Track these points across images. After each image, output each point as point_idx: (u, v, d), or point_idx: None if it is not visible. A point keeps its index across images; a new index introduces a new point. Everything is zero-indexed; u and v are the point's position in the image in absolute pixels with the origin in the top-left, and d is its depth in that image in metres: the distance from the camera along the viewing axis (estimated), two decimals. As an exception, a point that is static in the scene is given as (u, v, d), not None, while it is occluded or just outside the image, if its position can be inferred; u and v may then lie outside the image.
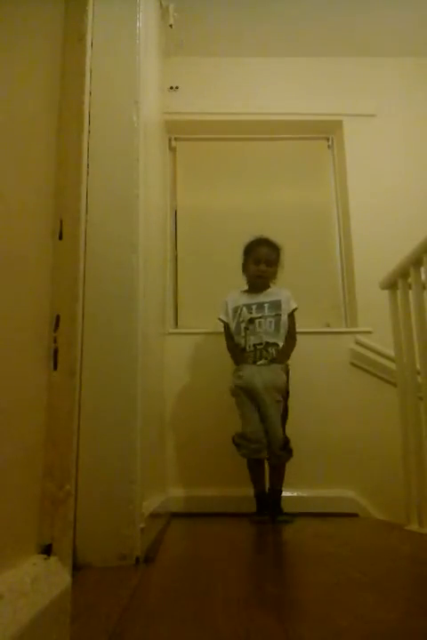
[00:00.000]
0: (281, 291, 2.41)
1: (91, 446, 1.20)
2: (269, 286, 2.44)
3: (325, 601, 0.89)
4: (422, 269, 1.90)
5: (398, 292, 2.11)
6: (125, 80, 1.44)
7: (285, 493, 2.40)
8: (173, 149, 3.26)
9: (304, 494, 2.54)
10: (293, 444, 2.21)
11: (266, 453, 2.18)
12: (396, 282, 2.12)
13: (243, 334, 2.34)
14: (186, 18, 2.83)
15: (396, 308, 2.15)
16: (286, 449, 2.18)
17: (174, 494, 2.48)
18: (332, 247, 3.17)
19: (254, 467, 2.27)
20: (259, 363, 2.27)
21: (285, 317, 2.34)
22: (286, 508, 2.26)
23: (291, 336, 2.35)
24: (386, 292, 2.24)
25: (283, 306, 2.35)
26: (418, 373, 1.92)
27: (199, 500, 2.48)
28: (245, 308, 2.37)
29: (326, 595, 0.94)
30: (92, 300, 1.25)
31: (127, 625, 0.74)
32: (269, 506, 2.23)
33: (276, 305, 2.36)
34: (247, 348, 2.30)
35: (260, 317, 2.33)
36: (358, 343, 2.82)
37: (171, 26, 2.71)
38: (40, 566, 0.56)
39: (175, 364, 2.72)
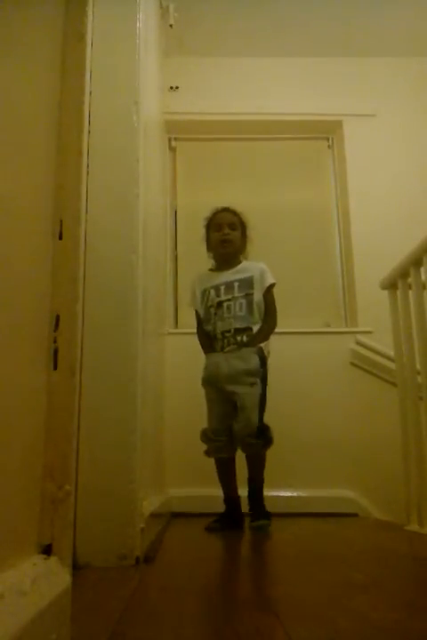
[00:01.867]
0: (254, 265, 2.12)
1: (91, 446, 1.20)
2: (239, 261, 2.14)
3: (325, 601, 0.89)
4: (422, 269, 1.90)
5: (398, 292, 2.11)
6: (125, 80, 1.44)
7: (285, 493, 2.40)
8: (173, 149, 3.26)
9: (304, 494, 2.54)
10: (292, 444, 2.17)
11: (229, 452, 1.99)
12: (396, 282, 2.12)
13: (212, 320, 2.06)
14: (186, 18, 2.83)
15: (396, 308, 2.15)
16: (262, 437, 1.92)
17: (174, 494, 2.48)
18: (332, 247, 3.17)
19: (219, 467, 2.05)
20: (226, 349, 2.01)
21: (258, 296, 2.05)
22: (287, 507, 2.24)
23: (270, 315, 2.06)
24: (386, 292, 2.24)
25: (255, 283, 2.06)
26: (418, 373, 1.92)
27: (199, 499, 2.48)
28: (213, 291, 2.08)
29: (326, 594, 0.94)
30: (92, 300, 1.25)
31: (127, 625, 0.74)
32: (239, 516, 2.00)
33: (247, 283, 2.06)
34: (217, 335, 2.04)
35: (229, 300, 2.04)
36: (359, 343, 2.82)
37: (171, 26, 2.71)
38: (40, 566, 0.56)
39: (175, 363, 2.72)
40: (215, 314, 2.05)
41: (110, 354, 1.28)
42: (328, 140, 3.32)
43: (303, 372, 2.71)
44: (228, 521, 1.96)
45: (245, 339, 2.00)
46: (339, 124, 3.23)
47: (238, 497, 2.03)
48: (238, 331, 2.01)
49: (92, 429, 1.21)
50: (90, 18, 0.78)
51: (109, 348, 1.28)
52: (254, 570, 1.28)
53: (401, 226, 2.84)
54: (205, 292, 2.11)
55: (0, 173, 0.51)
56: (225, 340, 2.02)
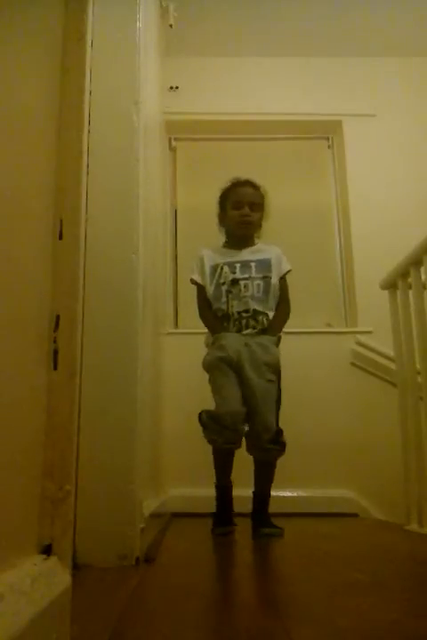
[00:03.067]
0: (270, 248, 1.96)
1: (91, 446, 1.20)
2: (254, 242, 1.97)
3: (325, 601, 0.89)
4: (422, 269, 1.90)
5: (398, 293, 2.11)
6: (125, 80, 1.44)
7: (284, 493, 2.40)
8: (173, 149, 3.26)
9: (304, 494, 2.54)
10: (292, 444, 2.13)
11: (240, 444, 1.78)
12: (396, 282, 2.13)
13: (224, 299, 1.85)
14: (186, 18, 2.83)
15: (396, 308, 2.15)
16: (278, 442, 1.75)
17: (174, 494, 2.48)
18: (332, 247, 3.17)
19: (223, 457, 1.83)
20: (245, 332, 1.81)
21: (275, 281, 1.88)
22: (287, 508, 2.23)
23: (285, 302, 1.91)
24: (386, 292, 2.24)
25: (273, 268, 1.89)
26: (418, 373, 1.92)
27: (199, 500, 2.48)
28: (226, 267, 1.88)
29: (326, 595, 0.94)
30: (92, 299, 1.25)
31: (127, 625, 0.74)
32: (230, 509, 1.84)
33: (264, 265, 1.89)
34: (231, 315, 1.84)
35: (246, 279, 1.86)
36: (359, 343, 2.82)
37: (171, 26, 2.71)
38: (40, 566, 0.55)
39: (175, 364, 2.72)
40: (229, 292, 1.85)
41: (110, 354, 1.28)
42: (328, 140, 3.33)
43: (303, 371, 2.70)
44: (222, 515, 1.83)
45: (265, 321, 1.83)
46: (339, 124, 3.23)
47: (231, 484, 1.88)
48: (257, 313, 1.83)
49: (92, 429, 1.21)
50: (90, 18, 0.78)
51: (109, 348, 1.28)
52: (255, 570, 1.28)
53: (401, 226, 2.84)
54: (216, 268, 1.91)
55: (0, 173, 0.51)
56: (243, 322, 1.82)
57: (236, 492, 1.91)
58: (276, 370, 1.80)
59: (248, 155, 3.28)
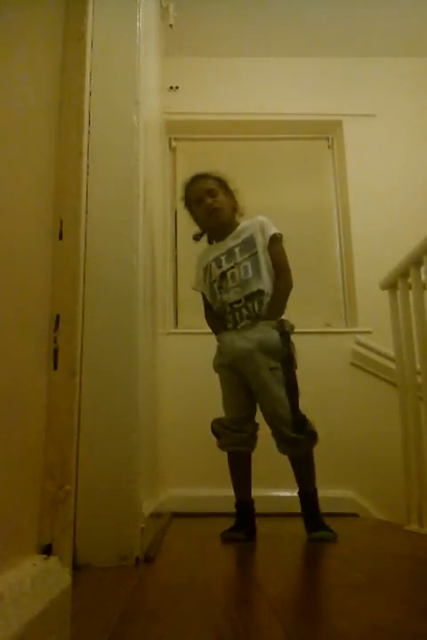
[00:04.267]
0: (252, 222, 1.86)
1: (91, 446, 1.20)
2: (236, 223, 1.90)
3: (325, 600, 0.89)
4: (423, 269, 1.90)
5: (398, 292, 2.11)
6: (125, 80, 1.44)
7: (285, 493, 2.39)
8: (173, 149, 3.26)
9: (304, 494, 2.54)
10: None
11: (250, 446, 1.76)
12: (396, 282, 2.13)
13: (218, 296, 1.82)
14: (186, 18, 2.83)
15: (396, 308, 2.15)
16: (303, 431, 1.67)
17: (174, 494, 2.48)
18: (332, 247, 3.17)
19: (236, 464, 1.77)
20: (241, 325, 1.76)
21: (264, 253, 1.79)
22: (287, 508, 2.23)
23: (280, 268, 1.79)
24: (386, 292, 2.24)
25: (257, 240, 1.80)
26: (418, 373, 1.92)
27: (199, 499, 2.48)
28: (213, 264, 1.84)
29: (326, 595, 0.94)
30: (92, 299, 1.25)
31: (127, 625, 0.74)
32: (252, 525, 1.73)
33: (248, 243, 1.81)
34: (226, 309, 1.80)
35: (231, 268, 1.79)
36: (359, 343, 2.82)
37: (171, 26, 2.71)
38: (40, 566, 0.55)
39: (175, 364, 2.72)
40: (220, 288, 1.81)
41: (110, 354, 1.28)
42: (328, 140, 3.33)
43: (303, 371, 2.68)
44: (240, 526, 1.70)
45: (257, 306, 1.73)
46: (339, 124, 3.23)
47: (252, 501, 1.77)
48: (249, 297, 1.75)
49: (93, 429, 1.21)
50: (90, 18, 0.78)
51: (109, 348, 1.28)
52: (254, 570, 1.28)
53: (401, 226, 2.84)
54: (206, 269, 1.87)
55: (0, 173, 0.51)
56: (236, 313, 1.76)
57: (254, 492, 1.81)
58: (276, 355, 1.70)
59: (248, 155, 3.28)
